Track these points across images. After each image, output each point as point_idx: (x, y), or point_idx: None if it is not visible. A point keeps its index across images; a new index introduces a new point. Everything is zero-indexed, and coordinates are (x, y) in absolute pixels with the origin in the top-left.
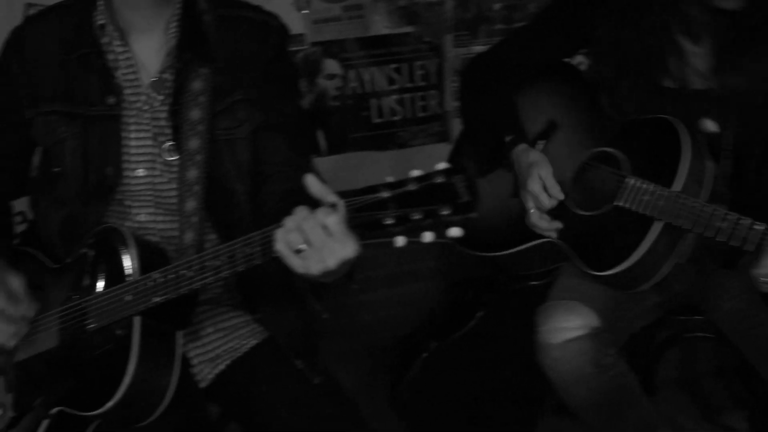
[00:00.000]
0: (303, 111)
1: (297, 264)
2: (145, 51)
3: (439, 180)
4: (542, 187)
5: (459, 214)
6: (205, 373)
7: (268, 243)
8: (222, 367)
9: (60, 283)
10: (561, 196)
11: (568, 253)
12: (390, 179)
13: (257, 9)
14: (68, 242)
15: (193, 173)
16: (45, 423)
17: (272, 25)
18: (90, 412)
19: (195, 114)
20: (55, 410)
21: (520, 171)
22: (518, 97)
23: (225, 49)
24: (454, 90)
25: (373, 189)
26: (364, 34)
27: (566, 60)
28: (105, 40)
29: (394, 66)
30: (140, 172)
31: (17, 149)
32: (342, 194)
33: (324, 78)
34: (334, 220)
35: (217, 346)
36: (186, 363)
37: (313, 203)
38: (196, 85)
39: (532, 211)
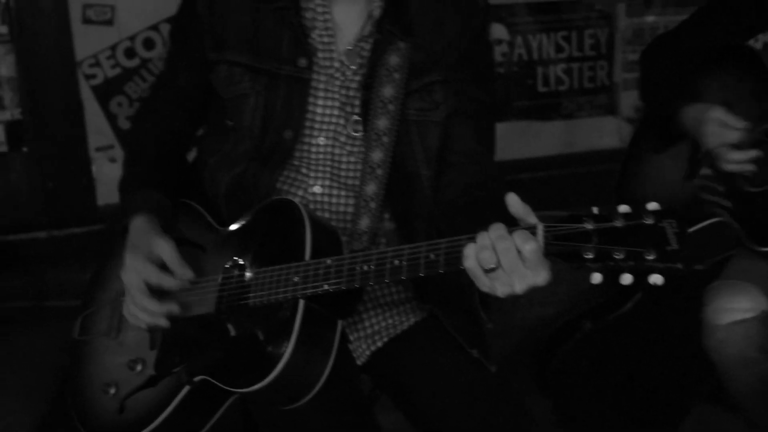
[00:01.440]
0: (494, 100)
1: (484, 283)
2: (345, 15)
3: (649, 221)
4: (720, 124)
5: (664, 262)
6: (362, 350)
7: (454, 253)
8: (379, 344)
9: (223, 247)
10: (741, 125)
11: (738, 232)
12: (595, 210)
13: None
14: (235, 204)
15: (377, 155)
16: (186, 389)
17: (479, 4)
18: (235, 388)
19: (387, 91)
20: (198, 378)
21: (694, 126)
22: (695, 80)
23: (426, 25)
24: (624, 61)
25: (577, 217)
26: None
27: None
28: None
29: (563, 34)
30: (321, 140)
31: (196, 88)
32: (543, 218)
33: None
34: (531, 248)
35: (376, 322)
36: (344, 338)
37: (497, 205)
38: (393, 59)
39: (722, 150)
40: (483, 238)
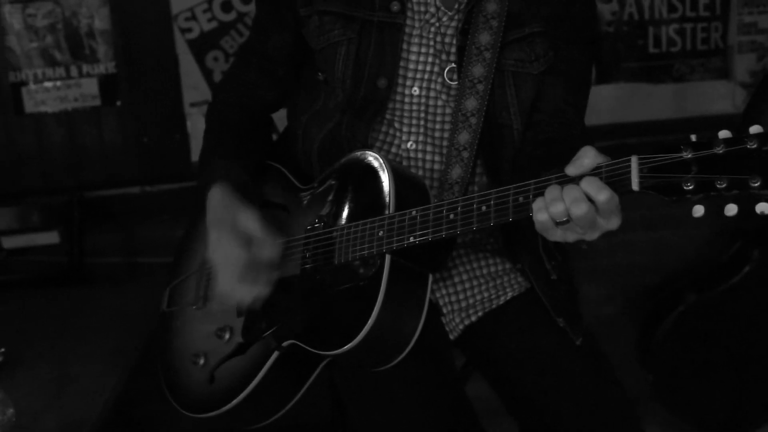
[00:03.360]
0: (592, 60)
1: (556, 235)
2: None
3: (752, 145)
4: None
5: None
6: (456, 324)
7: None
8: (473, 318)
9: (306, 206)
10: None
11: None
12: (693, 138)
13: None
14: (328, 162)
15: (471, 103)
16: (275, 355)
17: None
18: (325, 351)
19: (484, 38)
20: (287, 343)
21: None
22: None
23: None
24: (740, 23)
25: (674, 147)
26: None
27: None
28: None
29: None
30: (415, 90)
31: (287, 51)
32: (640, 149)
33: (600, 1)
34: (606, 197)
35: (471, 295)
36: (436, 311)
37: (572, 155)
38: (490, 6)
39: None
40: (552, 191)
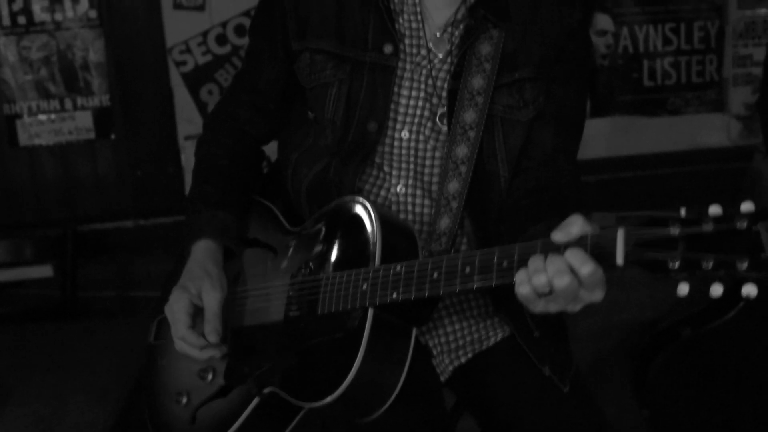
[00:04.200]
0: (585, 103)
1: (539, 306)
2: (435, 0)
3: (741, 225)
4: None
5: (758, 271)
6: (446, 365)
7: (528, 259)
8: (463, 360)
9: (293, 250)
10: None
11: None
12: (683, 212)
13: None
14: (315, 204)
15: (462, 150)
16: (255, 400)
17: None
18: (304, 401)
19: (477, 82)
20: (268, 390)
21: None
22: None
23: (523, 10)
24: (735, 55)
25: (663, 221)
26: None
27: None
28: None
29: (671, 25)
30: (404, 134)
31: (279, 85)
32: (625, 222)
33: (594, 34)
34: (589, 270)
35: (461, 336)
36: (427, 353)
37: (565, 212)
38: (484, 48)
39: None
40: (535, 261)
